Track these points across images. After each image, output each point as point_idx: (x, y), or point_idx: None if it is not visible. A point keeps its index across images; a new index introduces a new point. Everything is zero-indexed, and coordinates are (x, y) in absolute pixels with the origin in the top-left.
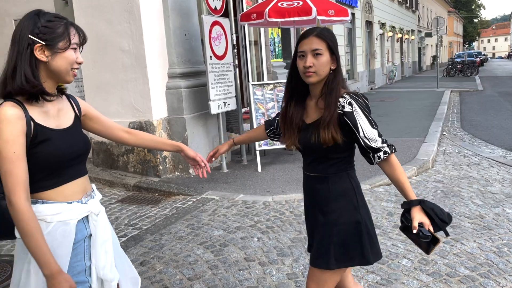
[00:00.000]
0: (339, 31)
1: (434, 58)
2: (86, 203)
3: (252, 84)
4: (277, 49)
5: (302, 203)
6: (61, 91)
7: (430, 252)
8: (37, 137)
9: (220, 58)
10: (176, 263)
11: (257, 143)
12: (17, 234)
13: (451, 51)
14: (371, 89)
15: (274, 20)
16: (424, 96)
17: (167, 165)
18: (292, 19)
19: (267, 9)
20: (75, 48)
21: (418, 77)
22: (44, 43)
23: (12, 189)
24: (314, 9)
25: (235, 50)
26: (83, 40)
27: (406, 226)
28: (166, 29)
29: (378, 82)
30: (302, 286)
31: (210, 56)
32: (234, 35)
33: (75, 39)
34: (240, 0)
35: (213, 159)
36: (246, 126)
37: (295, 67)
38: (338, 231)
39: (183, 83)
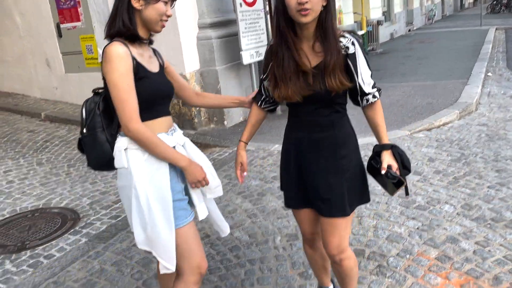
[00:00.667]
0: None
1: None
2: (172, 135)
3: None
4: None
5: None
6: (150, 42)
7: (393, 194)
8: (138, 74)
9: (250, 4)
10: None
11: None
12: (116, 165)
13: None
14: (409, 30)
15: None
16: (466, 35)
17: (202, 118)
18: None
19: None
20: (166, 2)
21: (459, 15)
22: None
23: (129, 116)
24: None
25: None
26: None
27: (373, 167)
28: None
29: (416, 23)
30: None
31: (240, 3)
32: None
33: None
34: None
35: (244, 173)
36: None
37: (283, 6)
38: (349, 176)
39: (214, 33)
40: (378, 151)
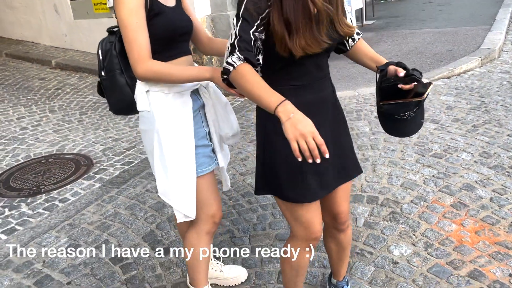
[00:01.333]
0: None
1: None
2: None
3: None
4: None
5: (354, 100)
6: None
7: (425, 94)
8: (152, 10)
9: None
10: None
11: None
12: (139, 108)
13: None
14: None
15: None
16: None
17: (214, 65)
18: None
19: None
20: None
21: None
22: None
23: (137, 57)
24: None
25: None
26: None
27: (387, 87)
28: None
29: None
30: (355, 179)
31: None
32: None
33: None
34: None
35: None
36: None
37: None
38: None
39: None
40: (383, 69)
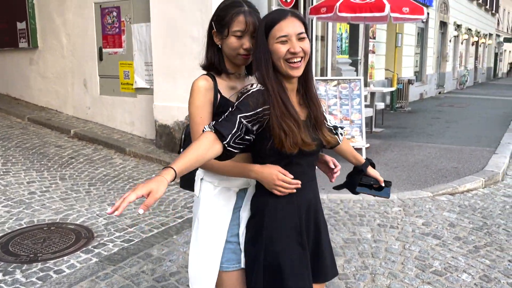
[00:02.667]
0: (410, 31)
1: None
2: None
3: (316, 79)
4: (343, 45)
5: (358, 204)
6: (249, 72)
7: (390, 194)
8: (220, 107)
9: None
10: None
11: None
12: (195, 191)
13: None
14: (440, 93)
15: (344, 15)
16: (498, 104)
17: None
18: (363, 15)
19: (338, 4)
20: (239, 36)
21: (492, 84)
22: (215, 30)
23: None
24: (387, 6)
25: None
26: (247, 28)
27: (365, 184)
28: None
29: (447, 87)
30: (353, 287)
31: None
32: None
33: (237, 26)
34: None
35: (143, 209)
36: None
37: (268, 55)
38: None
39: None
40: (360, 169)
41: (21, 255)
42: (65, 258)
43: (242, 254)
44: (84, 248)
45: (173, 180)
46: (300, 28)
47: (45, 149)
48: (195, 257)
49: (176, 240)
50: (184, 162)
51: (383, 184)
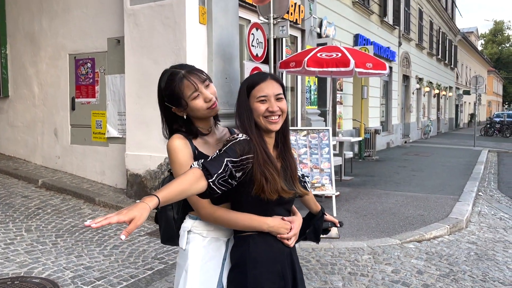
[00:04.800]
0: (375, 83)
1: (472, 116)
2: None
3: None
4: (312, 97)
5: (329, 252)
6: (217, 120)
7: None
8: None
9: None
10: None
11: None
12: (179, 243)
13: (490, 110)
14: (405, 142)
15: (312, 69)
16: (460, 153)
17: None
18: (329, 69)
19: (306, 59)
20: (197, 95)
21: (454, 134)
22: (174, 107)
23: (196, 205)
24: (352, 61)
25: None
26: (196, 86)
27: (324, 229)
28: (208, 72)
29: (412, 136)
30: None
31: None
32: None
33: (189, 90)
34: (280, 49)
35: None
36: None
37: (249, 111)
38: None
39: (221, 123)
40: (321, 214)
41: None
42: None
43: None
44: None
45: (156, 208)
46: (278, 89)
47: (11, 200)
48: None
49: None
50: (168, 192)
51: (338, 225)
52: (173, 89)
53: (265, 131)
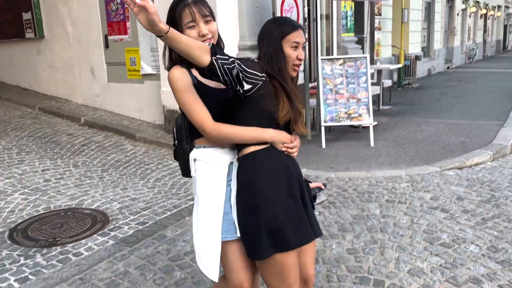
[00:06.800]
0: (416, 5)
1: None
2: (235, 149)
3: (322, 59)
4: (349, 23)
5: (366, 182)
6: None
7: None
8: (199, 92)
9: None
10: None
11: (322, 119)
12: (192, 173)
13: None
14: (448, 68)
15: None
16: (507, 78)
17: None
18: None
19: None
20: (192, 26)
21: (502, 57)
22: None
23: (201, 123)
24: None
25: (306, 24)
26: (194, 17)
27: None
28: (239, 1)
29: (456, 61)
30: (362, 261)
31: None
32: (306, 8)
33: (186, 19)
34: None
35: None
36: (312, 101)
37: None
38: None
39: (253, 55)
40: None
41: (40, 239)
42: (83, 241)
43: (236, 224)
44: (101, 232)
45: (166, 33)
46: (304, 39)
47: (57, 138)
48: (197, 232)
49: (188, 221)
50: (177, 35)
51: (323, 187)
52: (175, 13)
53: None
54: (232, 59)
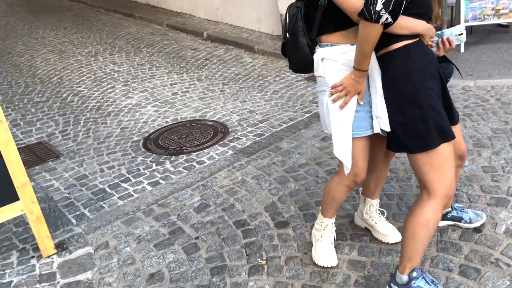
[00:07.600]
0: None
1: None
2: None
3: None
4: None
5: None
6: None
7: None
8: None
9: None
10: None
11: (462, 18)
12: (315, 73)
13: None
14: None
15: None
16: None
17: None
18: None
19: None
20: None
21: None
22: None
23: (353, 9)
24: None
25: None
26: None
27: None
28: None
29: None
30: (501, 181)
31: None
32: None
33: None
34: None
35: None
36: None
37: None
38: None
39: None
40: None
41: (169, 148)
42: (205, 150)
43: (374, 121)
44: (221, 142)
45: None
46: None
47: (183, 53)
48: (334, 127)
49: (304, 134)
50: None
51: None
52: None
53: None
54: None
